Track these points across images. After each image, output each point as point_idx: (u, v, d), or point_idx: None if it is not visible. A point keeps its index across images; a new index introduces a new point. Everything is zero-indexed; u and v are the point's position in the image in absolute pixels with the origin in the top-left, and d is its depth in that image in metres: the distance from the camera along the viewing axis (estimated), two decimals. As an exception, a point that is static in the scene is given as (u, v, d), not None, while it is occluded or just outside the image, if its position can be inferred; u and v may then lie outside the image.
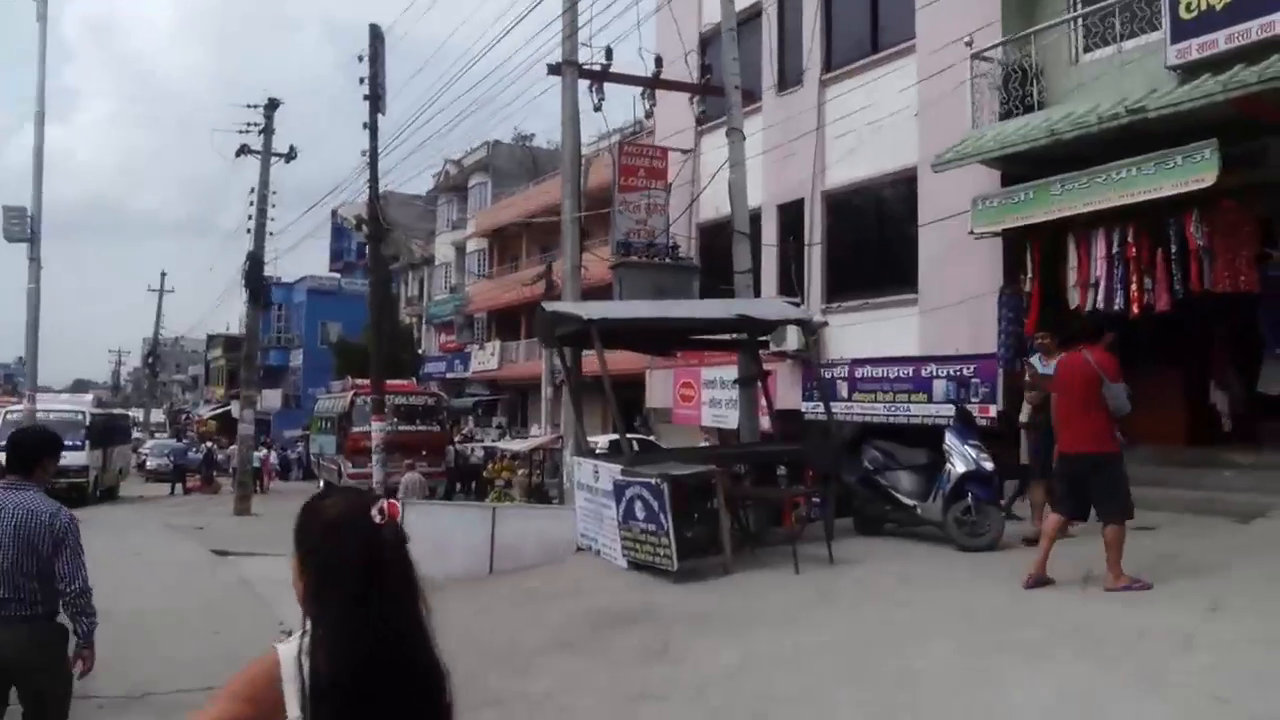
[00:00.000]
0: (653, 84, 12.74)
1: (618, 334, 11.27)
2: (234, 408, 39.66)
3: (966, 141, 12.84)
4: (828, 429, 11.39)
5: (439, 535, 10.52)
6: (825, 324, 15.95)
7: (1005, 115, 12.93)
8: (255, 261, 24.71)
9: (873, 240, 16.67)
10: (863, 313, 16.34)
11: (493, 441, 30.56)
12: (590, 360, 11.38)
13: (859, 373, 15.71)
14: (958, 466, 9.14)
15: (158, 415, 67.16)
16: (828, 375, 15.46)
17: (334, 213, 34.48)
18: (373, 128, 14.83)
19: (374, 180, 14.59)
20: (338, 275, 58.73)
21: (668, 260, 12.88)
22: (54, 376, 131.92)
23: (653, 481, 8.84)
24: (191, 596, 11.58)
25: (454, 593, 9.53)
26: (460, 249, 46.03)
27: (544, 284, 26.01)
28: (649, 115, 12.94)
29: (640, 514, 9.03)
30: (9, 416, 26.07)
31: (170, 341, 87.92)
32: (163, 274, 60.70)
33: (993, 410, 13.20)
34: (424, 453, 25.68)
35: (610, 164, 15.05)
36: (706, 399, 19.76)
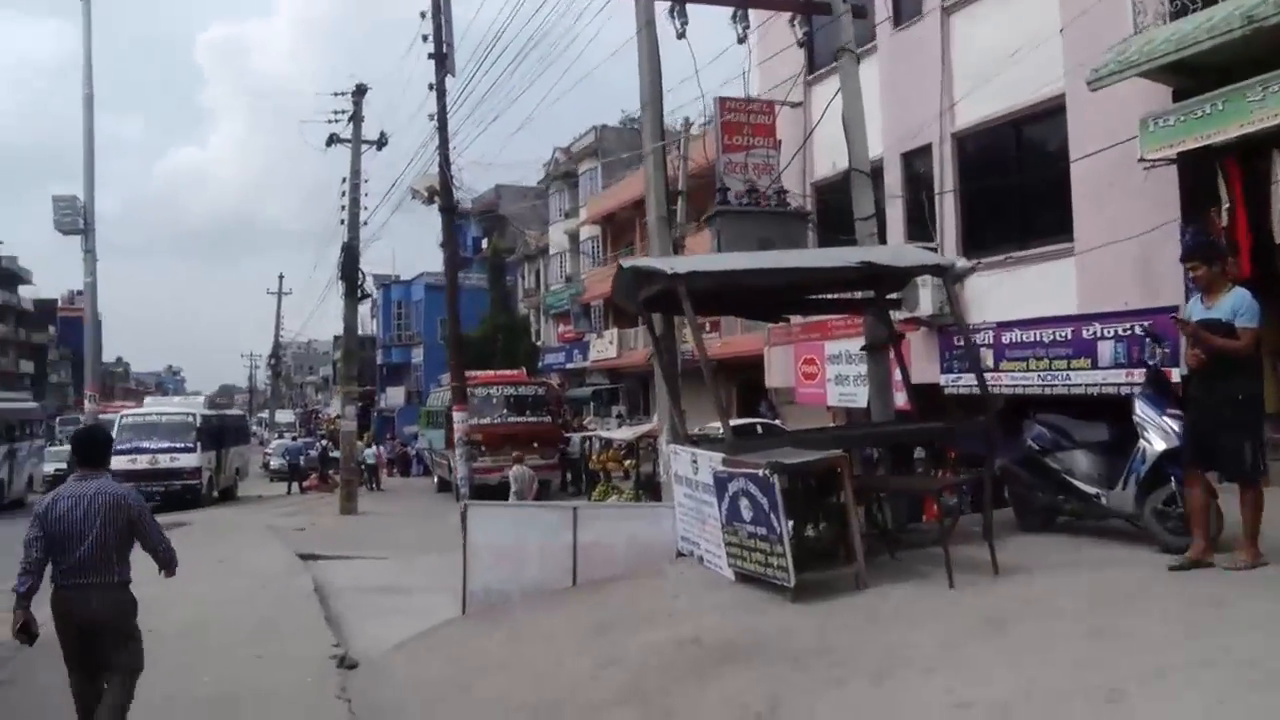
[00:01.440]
0: (745, 2, 10.86)
1: (715, 295, 9.47)
2: (335, 404, 39.49)
3: (1131, 47, 10.66)
4: (984, 401, 9.20)
5: (511, 542, 9.02)
6: (972, 269, 13.77)
7: (1176, 14, 10.72)
8: (350, 252, 23.77)
9: (1015, 184, 14.55)
10: (1007, 268, 14.24)
11: (597, 430, 29.23)
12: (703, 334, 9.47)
13: (1006, 337, 13.71)
14: (1155, 443, 7.07)
15: (286, 415, 68.30)
16: (970, 342, 13.43)
17: (411, 193, 33.55)
18: (440, 88, 13.49)
19: (444, 144, 13.25)
20: (455, 270, 58.26)
21: (775, 208, 10.95)
22: (203, 382, 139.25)
23: (760, 473, 7.05)
24: (253, 611, 10.63)
25: (522, 613, 8.02)
26: (574, 237, 45.75)
27: (652, 262, 24.47)
28: (742, 40, 11.00)
29: (746, 514, 7.28)
30: (124, 420, 27.03)
31: (303, 344, 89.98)
32: (280, 276, 61.66)
33: (1176, 374, 11.07)
34: (535, 444, 24.66)
35: (712, 138, 13.35)
36: (832, 375, 17.93)
